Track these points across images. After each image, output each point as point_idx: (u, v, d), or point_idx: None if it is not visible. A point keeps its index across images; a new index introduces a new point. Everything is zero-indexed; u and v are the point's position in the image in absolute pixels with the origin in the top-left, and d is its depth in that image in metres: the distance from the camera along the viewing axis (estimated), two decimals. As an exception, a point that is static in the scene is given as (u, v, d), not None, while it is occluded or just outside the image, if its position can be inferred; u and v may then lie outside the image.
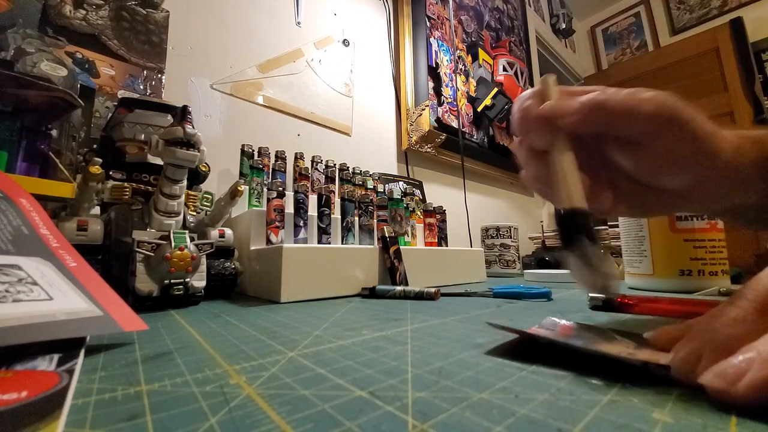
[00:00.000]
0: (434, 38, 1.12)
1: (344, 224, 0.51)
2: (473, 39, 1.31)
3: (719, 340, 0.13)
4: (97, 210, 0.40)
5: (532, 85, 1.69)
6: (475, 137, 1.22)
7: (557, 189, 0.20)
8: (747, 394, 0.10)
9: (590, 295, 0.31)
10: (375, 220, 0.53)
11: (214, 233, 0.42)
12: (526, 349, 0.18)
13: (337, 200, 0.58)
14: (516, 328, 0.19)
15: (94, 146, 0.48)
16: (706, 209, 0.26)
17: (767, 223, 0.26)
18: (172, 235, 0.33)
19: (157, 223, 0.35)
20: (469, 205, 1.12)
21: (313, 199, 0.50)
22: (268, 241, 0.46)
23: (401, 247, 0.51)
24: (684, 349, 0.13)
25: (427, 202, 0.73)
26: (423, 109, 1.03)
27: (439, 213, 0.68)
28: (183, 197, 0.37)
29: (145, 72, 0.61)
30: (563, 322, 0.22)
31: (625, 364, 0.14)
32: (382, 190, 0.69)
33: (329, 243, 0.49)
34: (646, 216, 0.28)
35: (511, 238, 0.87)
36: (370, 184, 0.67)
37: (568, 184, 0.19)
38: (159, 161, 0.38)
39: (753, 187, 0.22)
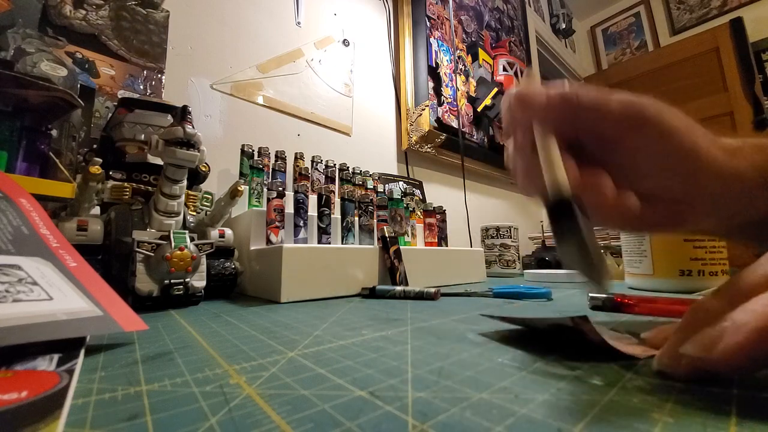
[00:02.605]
0: (434, 38, 1.12)
1: (344, 224, 0.51)
2: (473, 39, 1.31)
3: (697, 329, 0.13)
4: (97, 210, 0.39)
5: (532, 85, 1.69)
6: (475, 137, 1.22)
7: (545, 178, 0.18)
8: (720, 360, 0.11)
9: (590, 294, 0.31)
10: (375, 220, 0.53)
11: (214, 233, 0.42)
12: (526, 348, 0.18)
13: (337, 200, 0.58)
14: (506, 316, 0.19)
15: (94, 146, 0.48)
16: (720, 227, 0.23)
17: None
18: (172, 235, 0.33)
19: (157, 223, 0.35)
20: (469, 205, 1.12)
21: (313, 199, 0.50)
22: (268, 241, 0.46)
23: (401, 247, 0.51)
24: (668, 345, 0.14)
25: (427, 202, 0.73)
26: (423, 109, 1.03)
27: (439, 213, 0.68)
28: (183, 197, 0.37)
29: (145, 72, 0.61)
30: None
31: (617, 354, 0.14)
32: (382, 190, 0.69)
33: (329, 243, 0.49)
34: (642, 231, 0.26)
35: (511, 238, 0.87)
36: (370, 184, 0.67)
37: (553, 169, 0.17)
38: (159, 161, 0.38)
39: (754, 193, 0.20)
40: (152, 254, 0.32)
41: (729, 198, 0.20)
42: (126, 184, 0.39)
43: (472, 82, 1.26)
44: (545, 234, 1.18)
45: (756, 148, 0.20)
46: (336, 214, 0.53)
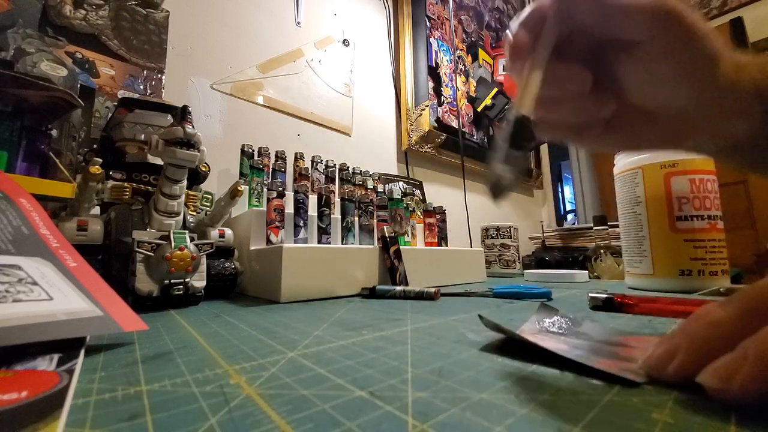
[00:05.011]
0: (434, 38, 1.12)
1: (344, 224, 0.51)
2: (473, 39, 1.31)
3: (695, 340, 0.13)
4: (97, 210, 0.39)
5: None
6: (475, 137, 1.22)
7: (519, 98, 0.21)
8: (740, 391, 0.10)
9: (590, 295, 0.31)
10: (375, 220, 0.53)
11: (214, 233, 0.42)
12: (526, 348, 0.18)
13: (337, 200, 0.58)
14: (503, 327, 0.19)
15: (94, 146, 0.47)
16: (710, 145, 0.24)
17: (763, 162, 0.24)
18: (172, 235, 0.33)
19: (157, 223, 0.35)
20: (469, 205, 1.12)
21: (313, 199, 0.50)
22: (268, 241, 0.46)
23: (401, 247, 0.51)
24: (661, 347, 0.13)
25: (427, 202, 0.73)
26: (423, 109, 1.03)
27: (439, 213, 0.68)
28: (183, 197, 0.37)
29: (145, 72, 0.61)
30: (556, 319, 0.22)
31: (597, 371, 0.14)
32: (382, 190, 0.69)
33: (329, 243, 0.49)
34: (638, 149, 0.26)
35: (511, 238, 0.87)
36: (370, 184, 0.67)
37: (526, 93, 0.21)
38: (159, 161, 0.38)
39: (750, 110, 0.21)
40: (152, 254, 0.32)
41: (726, 113, 0.21)
42: (126, 184, 0.39)
43: (472, 82, 1.26)
44: (545, 234, 1.18)
45: (756, 66, 0.21)
46: (336, 214, 0.53)
